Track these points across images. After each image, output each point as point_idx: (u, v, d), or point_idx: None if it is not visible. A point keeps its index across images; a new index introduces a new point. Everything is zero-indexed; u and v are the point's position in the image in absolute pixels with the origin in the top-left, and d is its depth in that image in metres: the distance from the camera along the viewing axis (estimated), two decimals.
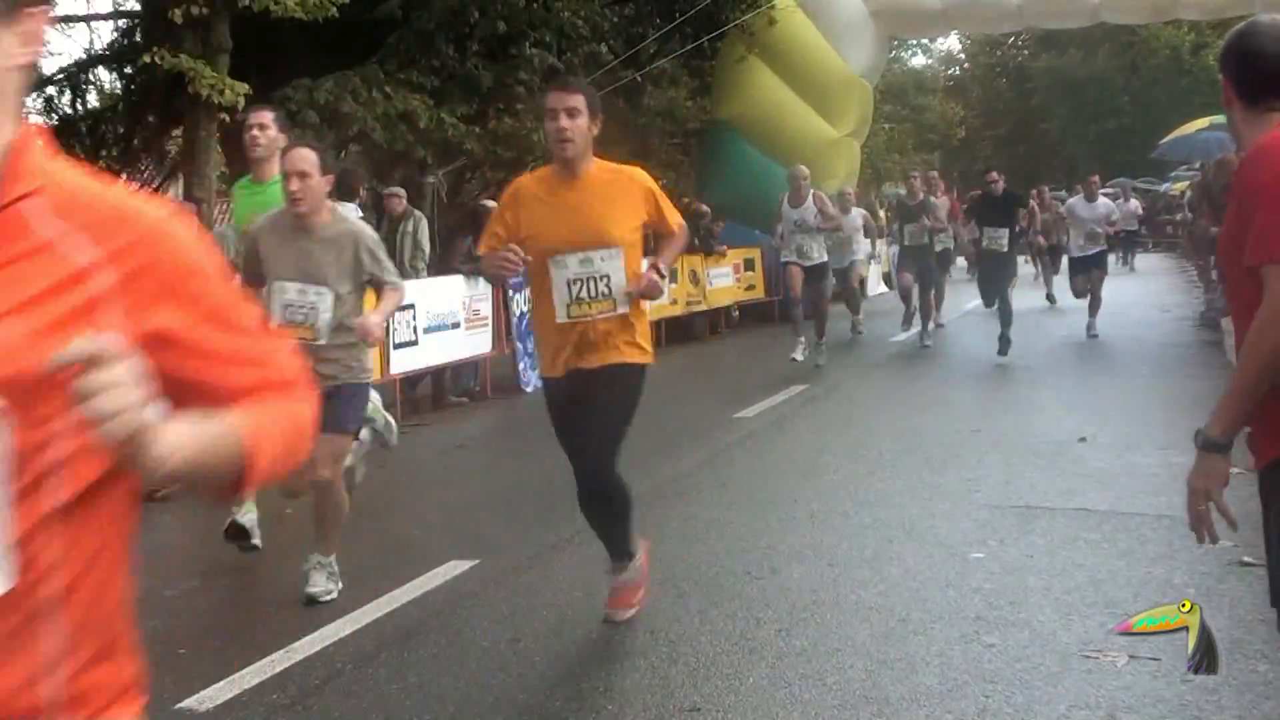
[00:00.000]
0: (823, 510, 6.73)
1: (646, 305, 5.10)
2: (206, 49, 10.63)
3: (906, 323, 15.15)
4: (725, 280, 17.93)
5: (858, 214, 16.06)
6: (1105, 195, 16.67)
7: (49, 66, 16.13)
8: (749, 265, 18.59)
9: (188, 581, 5.95)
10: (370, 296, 5.56)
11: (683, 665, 4.45)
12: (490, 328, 11.79)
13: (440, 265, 11.84)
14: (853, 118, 18.28)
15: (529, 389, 11.92)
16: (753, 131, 17.51)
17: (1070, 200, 16.94)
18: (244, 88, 10.66)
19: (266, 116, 6.27)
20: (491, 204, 12.98)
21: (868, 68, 18.42)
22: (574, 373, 4.79)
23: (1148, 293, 20.04)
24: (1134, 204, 27.73)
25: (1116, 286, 19.17)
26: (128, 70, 14.34)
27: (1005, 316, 12.89)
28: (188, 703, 4.29)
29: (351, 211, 10.52)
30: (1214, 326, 13.75)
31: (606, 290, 4.72)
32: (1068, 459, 7.82)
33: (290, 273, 5.20)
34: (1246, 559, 5.01)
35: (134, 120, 14.57)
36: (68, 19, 16.05)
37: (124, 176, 16.62)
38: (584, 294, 4.71)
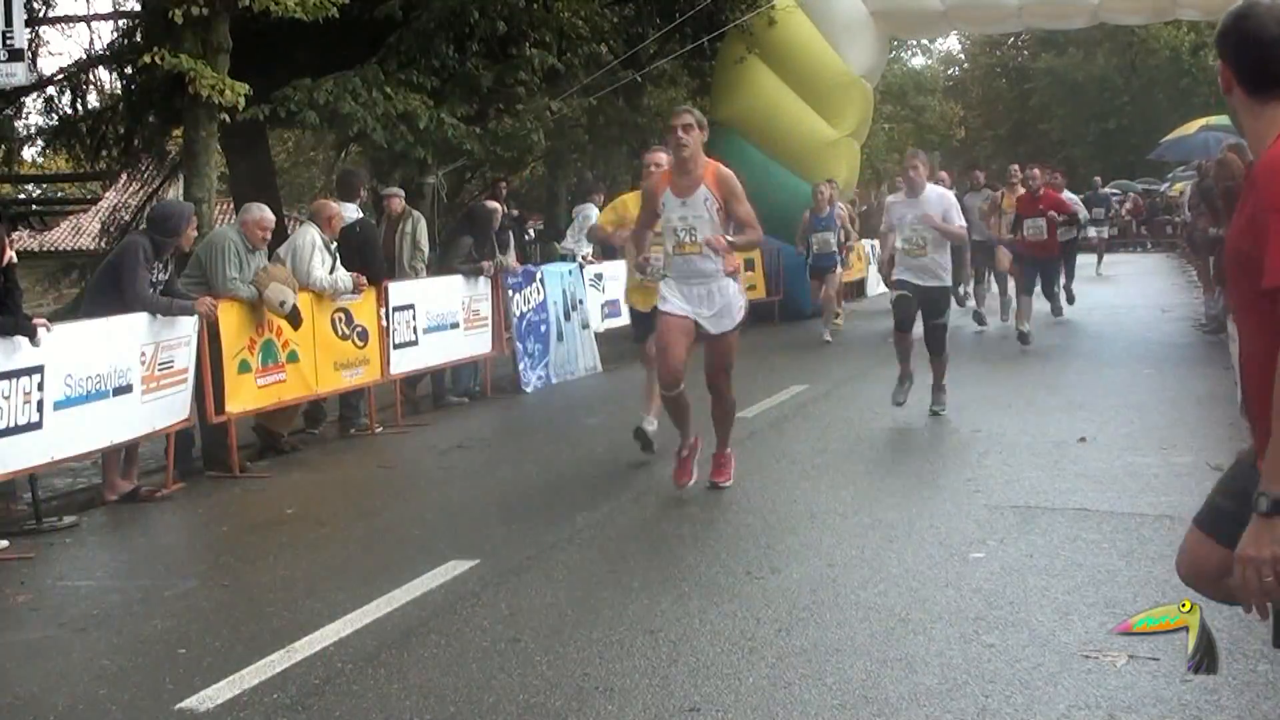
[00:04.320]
0: (822, 510, 6.73)
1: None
2: (206, 49, 10.63)
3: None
4: None
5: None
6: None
7: (49, 66, 16.16)
8: (749, 265, 18.56)
9: (188, 581, 5.95)
10: None
11: (683, 665, 4.45)
12: (490, 328, 11.77)
13: (440, 265, 11.84)
14: (853, 118, 18.26)
15: (529, 389, 11.92)
16: (752, 131, 17.50)
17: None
18: (244, 88, 10.67)
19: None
20: (493, 204, 13.02)
21: (868, 68, 18.40)
22: None
23: (1148, 293, 20.02)
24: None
25: (1112, 288, 19.23)
26: (128, 70, 14.36)
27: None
28: (188, 703, 4.29)
29: (352, 211, 10.58)
30: (1216, 330, 13.70)
31: None
32: (1068, 459, 7.81)
33: None
34: None
35: (134, 120, 14.58)
36: (68, 19, 16.10)
37: (124, 176, 16.66)
38: None
